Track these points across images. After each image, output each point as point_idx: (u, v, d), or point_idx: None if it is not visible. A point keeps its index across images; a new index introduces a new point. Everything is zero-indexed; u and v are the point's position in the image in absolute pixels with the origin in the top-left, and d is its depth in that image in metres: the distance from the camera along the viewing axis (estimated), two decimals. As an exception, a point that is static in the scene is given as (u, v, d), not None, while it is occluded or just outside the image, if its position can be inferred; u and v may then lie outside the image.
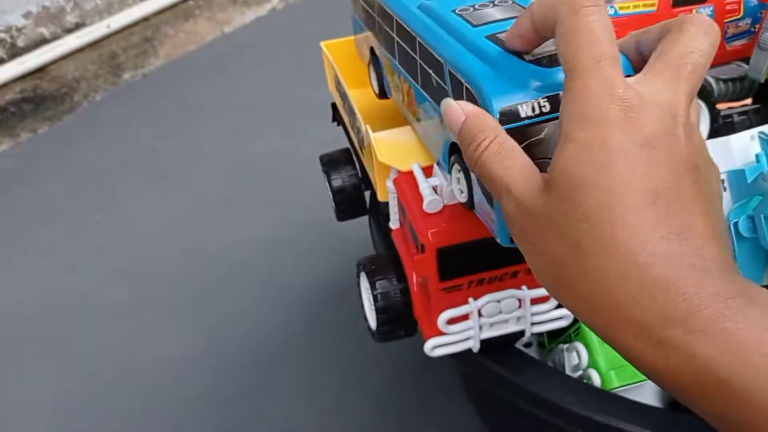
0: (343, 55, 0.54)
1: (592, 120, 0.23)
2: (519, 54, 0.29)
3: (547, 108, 0.27)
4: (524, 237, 0.26)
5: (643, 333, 0.22)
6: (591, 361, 0.41)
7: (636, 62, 0.28)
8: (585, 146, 0.23)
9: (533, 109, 0.27)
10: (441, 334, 0.38)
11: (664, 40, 0.26)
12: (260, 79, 1.17)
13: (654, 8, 0.47)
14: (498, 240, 0.31)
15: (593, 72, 0.24)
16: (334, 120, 0.58)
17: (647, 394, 0.41)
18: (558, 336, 0.46)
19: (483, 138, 0.27)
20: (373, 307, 0.42)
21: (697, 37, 0.25)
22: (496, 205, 0.30)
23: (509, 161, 0.26)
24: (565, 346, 0.42)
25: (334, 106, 0.58)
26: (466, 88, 0.30)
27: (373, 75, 0.47)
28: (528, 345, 0.49)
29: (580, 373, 0.41)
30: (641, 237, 0.23)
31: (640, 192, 0.23)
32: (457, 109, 0.29)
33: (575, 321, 0.43)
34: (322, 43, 0.56)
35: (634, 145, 0.23)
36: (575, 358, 0.41)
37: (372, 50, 0.47)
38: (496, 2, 0.34)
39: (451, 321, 0.38)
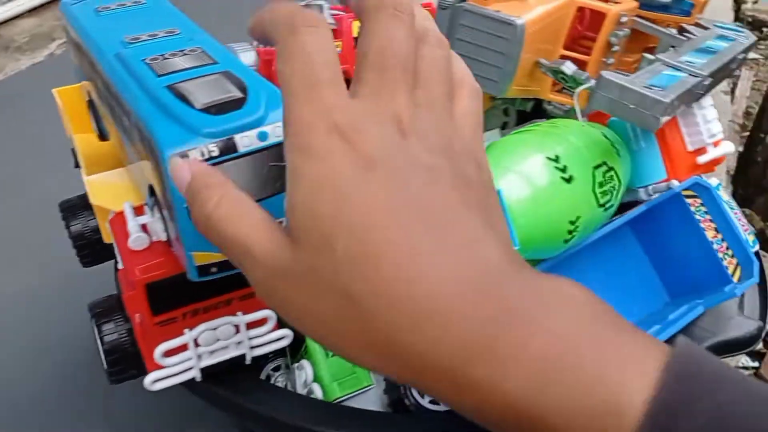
0: (76, 102, 0.54)
1: (317, 154, 0.21)
2: (190, 104, 0.31)
3: (216, 153, 0.29)
4: (285, 302, 0.23)
5: (446, 377, 0.20)
6: (316, 375, 0.43)
7: None
8: (317, 184, 0.21)
9: (202, 155, 0.29)
10: (161, 367, 0.39)
11: (359, 37, 0.24)
12: (34, 126, 1.11)
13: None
14: (188, 276, 0.33)
15: (308, 99, 0.22)
16: (76, 165, 0.57)
17: (371, 400, 0.44)
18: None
19: (208, 197, 0.24)
20: (102, 349, 0.41)
21: (388, 26, 0.23)
22: (183, 242, 0.31)
23: (245, 221, 0.23)
24: (296, 365, 0.45)
25: (73, 151, 0.57)
26: (146, 137, 0.31)
27: (92, 118, 0.48)
28: (277, 369, 0.50)
29: (308, 389, 0.44)
30: (404, 268, 0.20)
31: (383, 216, 0.21)
32: (183, 167, 0.26)
33: (301, 339, 0.45)
34: (53, 91, 0.55)
35: (361, 171, 0.21)
36: (303, 375, 0.43)
37: (89, 94, 0.47)
38: (186, 51, 0.36)
39: (168, 353, 0.39)
